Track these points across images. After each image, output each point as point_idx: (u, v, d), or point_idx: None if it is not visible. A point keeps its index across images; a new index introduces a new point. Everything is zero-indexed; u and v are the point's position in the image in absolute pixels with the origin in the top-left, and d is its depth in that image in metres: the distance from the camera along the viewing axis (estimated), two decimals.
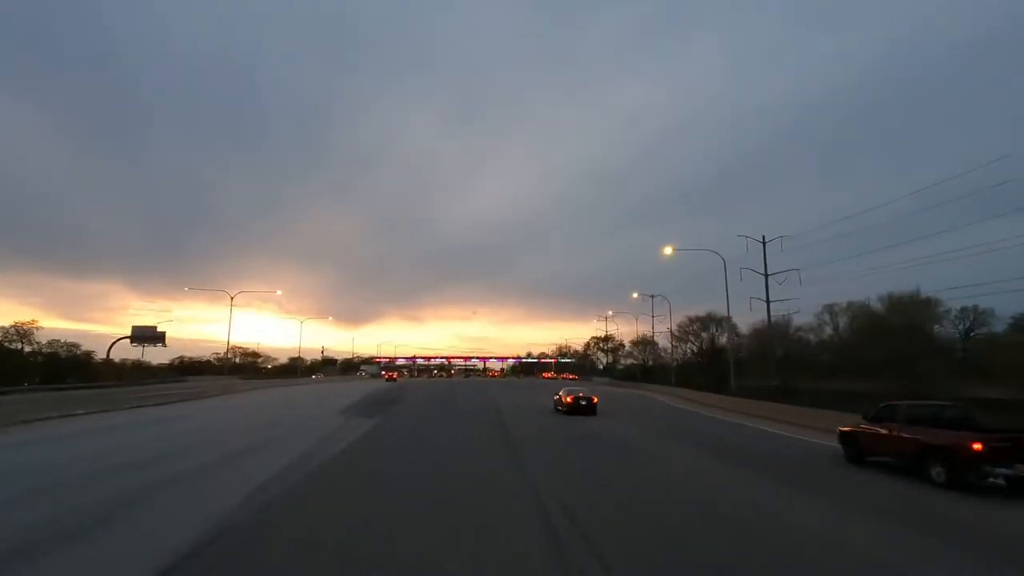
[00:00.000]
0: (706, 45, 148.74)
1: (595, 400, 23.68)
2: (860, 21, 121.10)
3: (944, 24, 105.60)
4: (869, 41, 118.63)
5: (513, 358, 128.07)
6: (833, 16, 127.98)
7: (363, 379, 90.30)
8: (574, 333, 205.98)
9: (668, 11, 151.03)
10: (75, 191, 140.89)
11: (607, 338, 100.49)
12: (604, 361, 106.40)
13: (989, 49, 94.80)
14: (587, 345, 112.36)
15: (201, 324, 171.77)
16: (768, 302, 34.78)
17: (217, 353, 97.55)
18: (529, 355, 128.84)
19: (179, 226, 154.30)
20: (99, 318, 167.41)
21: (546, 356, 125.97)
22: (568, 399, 23.45)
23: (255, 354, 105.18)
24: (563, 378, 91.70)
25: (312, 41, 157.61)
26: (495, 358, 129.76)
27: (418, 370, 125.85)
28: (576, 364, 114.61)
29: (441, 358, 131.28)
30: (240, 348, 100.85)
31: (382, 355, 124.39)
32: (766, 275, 34.35)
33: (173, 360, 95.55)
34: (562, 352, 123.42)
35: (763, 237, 34.63)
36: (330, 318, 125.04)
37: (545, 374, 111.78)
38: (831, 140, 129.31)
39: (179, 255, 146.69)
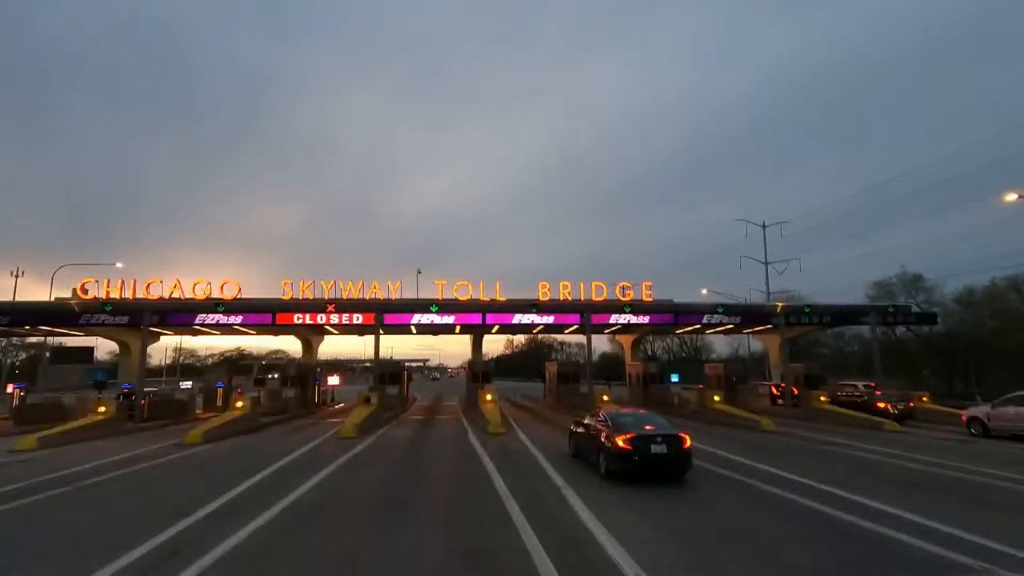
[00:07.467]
0: (667, 32, 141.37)
1: None
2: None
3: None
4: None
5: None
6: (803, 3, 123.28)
7: None
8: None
9: None
10: None
11: None
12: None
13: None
14: None
15: None
16: None
17: None
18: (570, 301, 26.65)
19: (104, 213, 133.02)
20: None
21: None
22: None
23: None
24: None
25: (255, 20, 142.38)
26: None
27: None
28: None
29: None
30: None
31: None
32: None
33: None
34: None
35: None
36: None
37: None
38: (823, 122, 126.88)
39: (105, 244, 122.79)
